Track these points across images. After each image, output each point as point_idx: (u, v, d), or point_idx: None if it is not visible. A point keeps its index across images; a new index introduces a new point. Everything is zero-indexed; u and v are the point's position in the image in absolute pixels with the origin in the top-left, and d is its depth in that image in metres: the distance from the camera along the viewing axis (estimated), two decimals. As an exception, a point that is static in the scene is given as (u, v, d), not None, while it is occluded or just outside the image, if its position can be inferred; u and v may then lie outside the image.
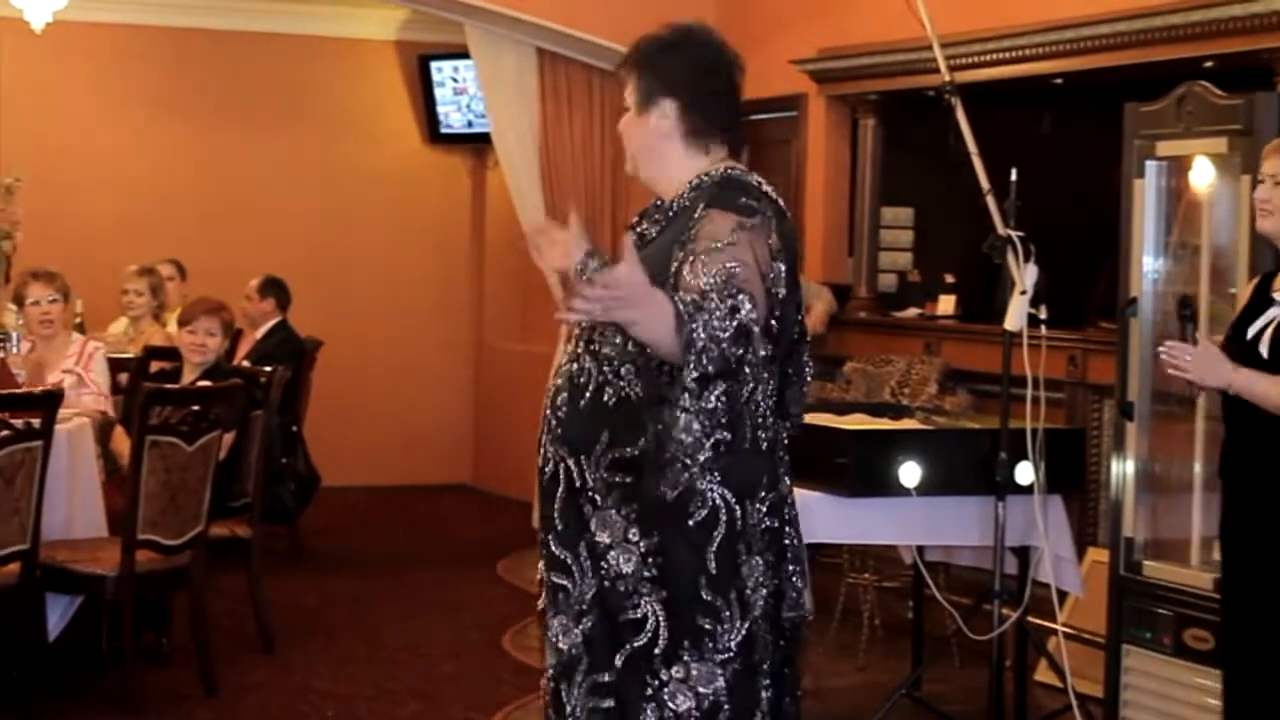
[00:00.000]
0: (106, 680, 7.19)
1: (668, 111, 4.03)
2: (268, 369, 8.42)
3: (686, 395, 3.71)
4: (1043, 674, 7.36)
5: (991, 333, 7.71)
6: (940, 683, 7.44)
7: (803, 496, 6.18)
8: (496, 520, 12.04)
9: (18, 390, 7.18)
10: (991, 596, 6.30)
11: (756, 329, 3.68)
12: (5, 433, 6.36)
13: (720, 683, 3.86)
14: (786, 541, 4.01)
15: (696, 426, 3.75)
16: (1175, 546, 6.24)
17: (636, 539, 3.84)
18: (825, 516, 6.24)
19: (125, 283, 10.11)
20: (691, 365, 3.57)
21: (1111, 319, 7.51)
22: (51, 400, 6.64)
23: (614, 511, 3.85)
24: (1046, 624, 6.92)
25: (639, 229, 4.09)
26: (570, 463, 3.90)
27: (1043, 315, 6.17)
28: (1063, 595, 6.54)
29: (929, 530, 6.57)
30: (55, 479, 6.74)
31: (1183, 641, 6.07)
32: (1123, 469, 6.36)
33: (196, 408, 7.02)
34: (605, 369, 3.88)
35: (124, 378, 8.73)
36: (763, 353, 3.74)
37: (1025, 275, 6.11)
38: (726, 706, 3.86)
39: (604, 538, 3.87)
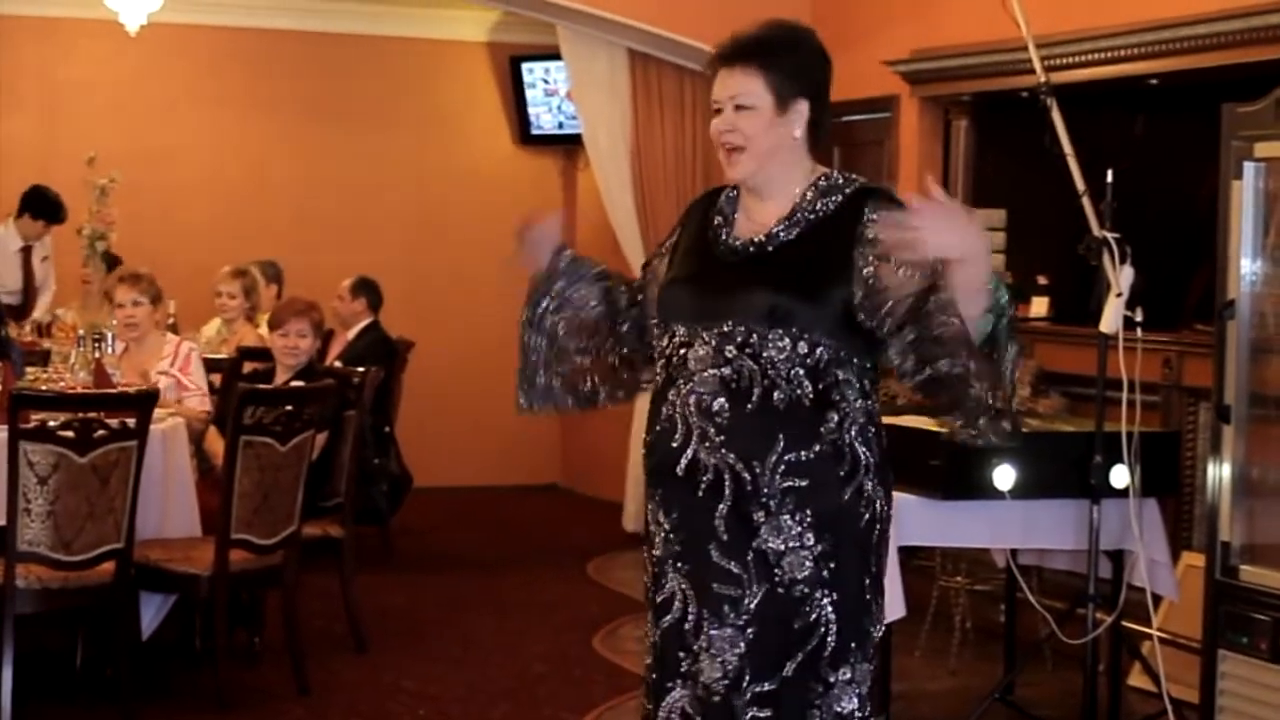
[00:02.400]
0: (199, 678, 7.23)
1: (802, 112, 3.97)
2: (361, 369, 8.45)
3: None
4: (1137, 679, 7.30)
5: (1085, 335, 7.64)
6: (1033, 687, 7.39)
7: (896, 499, 6.18)
8: (586, 521, 12.07)
9: (113, 390, 7.22)
10: (1086, 600, 6.27)
11: None
12: (101, 432, 6.41)
13: (870, 682, 3.92)
14: None
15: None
16: (1273, 551, 6.17)
17: (812, 543, 3.81)
18: (918, 519, 6.22)
19: (219, 284, 10.17)
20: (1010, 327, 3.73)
21: (1207, 321, 7.43)
22: (147, 400, 6.68)
23: (788, 517, 3.79)
24: (1141, 628, 6.87)
25: (749, 238, 3.99)
26: (741, 468, 3.81)
27: (1138, 317, 6.13)
28: (1157, 600, 6.49)
29: (1023, 533, 6.53)
30: (150, 478, 6.79)
31: (1280, 647, 6.01)
32: (1219, 472, 6.29)
33: (290, 408, 7.05)
34: (770, 372, 3.80)
35: (217, 378, 8.79)
36: None
37: (1121, 277, 6.07)
38: (869, 704, 3.92)
39: (776, 544, 3.80)
